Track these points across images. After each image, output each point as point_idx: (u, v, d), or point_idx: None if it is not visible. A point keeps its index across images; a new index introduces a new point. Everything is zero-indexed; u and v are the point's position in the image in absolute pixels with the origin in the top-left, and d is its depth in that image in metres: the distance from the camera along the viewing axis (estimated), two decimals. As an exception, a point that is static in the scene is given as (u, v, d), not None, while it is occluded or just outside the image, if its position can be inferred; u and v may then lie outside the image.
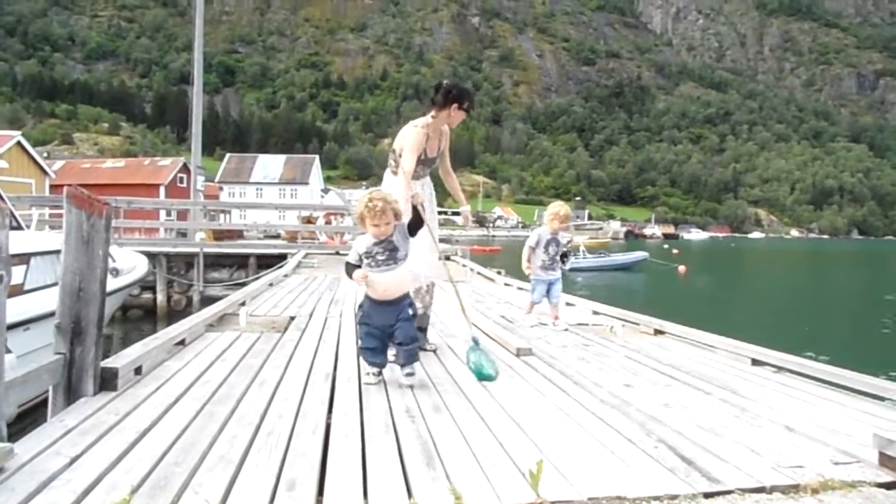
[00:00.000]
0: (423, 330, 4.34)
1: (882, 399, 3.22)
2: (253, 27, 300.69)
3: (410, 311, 3.40)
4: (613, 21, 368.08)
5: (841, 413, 3.04)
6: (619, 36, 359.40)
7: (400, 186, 4.05)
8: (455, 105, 4.23)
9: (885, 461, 2.29)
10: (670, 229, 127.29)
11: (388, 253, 3.30)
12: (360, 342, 3.52)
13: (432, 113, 4.24)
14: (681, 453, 2.42)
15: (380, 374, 3.41)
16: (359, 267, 3.35)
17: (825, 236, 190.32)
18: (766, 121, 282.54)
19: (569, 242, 5.90)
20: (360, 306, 3.44)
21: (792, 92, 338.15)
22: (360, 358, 3.55)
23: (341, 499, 1.97)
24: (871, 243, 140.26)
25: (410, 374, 3.38)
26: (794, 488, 2.12)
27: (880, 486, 2.16)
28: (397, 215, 3.30)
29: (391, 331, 3.33)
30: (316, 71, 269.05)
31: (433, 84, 4.38)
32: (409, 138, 4.19)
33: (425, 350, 4.22)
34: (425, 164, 4.31)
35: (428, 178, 4.44)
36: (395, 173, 4.29)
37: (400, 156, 4.24)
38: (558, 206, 5.52)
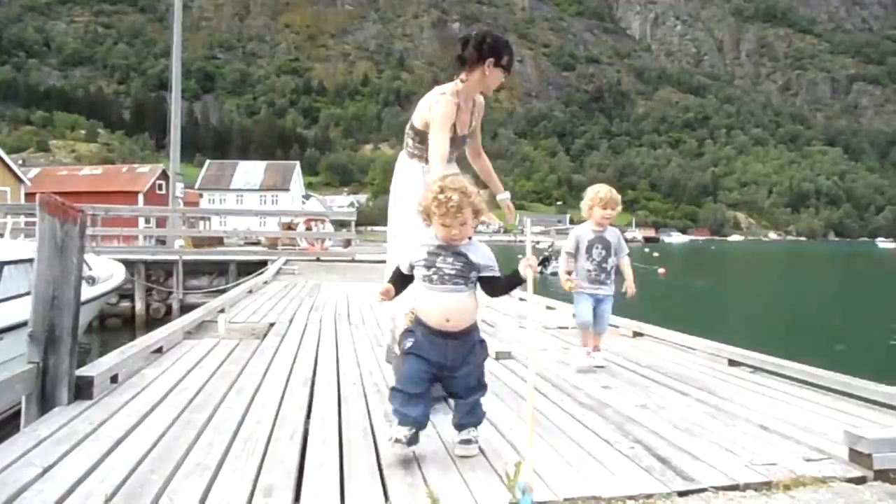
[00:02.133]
0: None
1: (854, 397, 3.28)
2: (232, 33, 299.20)
3: (481, 349, 2.46)
4: (593, 27, 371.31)
5: (814, 411, 3.09)
6: (599, 41, 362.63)
7: (431, 175, 3.04)
8: (491, 60, 3.18)
9: (855, 457, 2.33)
10: (651, 233, 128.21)
11: (459, 267, 2.33)
12: (397, 382, 2.46)
13: (461, 76, 3.24)
14: (657, 453, 2.45)
15: (416, 436, 2.32)
16: (406, 278, 2.44)
17: (802, 238, 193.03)
18: (744, 125, 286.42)
19: (627, 239, 4.35)
20: (408, 332, 2.42)
21: (768, 96, 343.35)
22: (392, 409, 2.41)
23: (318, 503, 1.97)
24: (846, 244, 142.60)
25: (469, 443, 2.38)
26: (767, 485, 2.15)
27: (850, 480, 2.21)
28: (477, 213, 2.35)
29: (450, 374, 2.36)
30: (296, 77, 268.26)
31: (460, 38, 3.32)
32: (439, 109, 3.18)
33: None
34: (454, 144, 3.31)
35: (455, 164, 3.44)
36: (412, 156, 3.40)
37: (419, 134, 3.32)
38: (597, 189, 4.01)
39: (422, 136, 3.31)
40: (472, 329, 2.40)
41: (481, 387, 2.40)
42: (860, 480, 2.21)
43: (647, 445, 2.55)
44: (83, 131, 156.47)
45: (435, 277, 2.32)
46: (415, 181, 3.34)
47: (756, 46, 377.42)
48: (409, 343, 2.37)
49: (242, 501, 1.96)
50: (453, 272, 2.32)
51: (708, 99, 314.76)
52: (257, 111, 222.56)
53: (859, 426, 2.52)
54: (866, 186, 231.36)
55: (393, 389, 2.39)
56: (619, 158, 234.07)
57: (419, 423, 2.31)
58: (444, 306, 2.31)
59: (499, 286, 2.41)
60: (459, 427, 2.39)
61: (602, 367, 3.99)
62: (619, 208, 3.98)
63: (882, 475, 2.24)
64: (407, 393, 2.31)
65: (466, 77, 3.23)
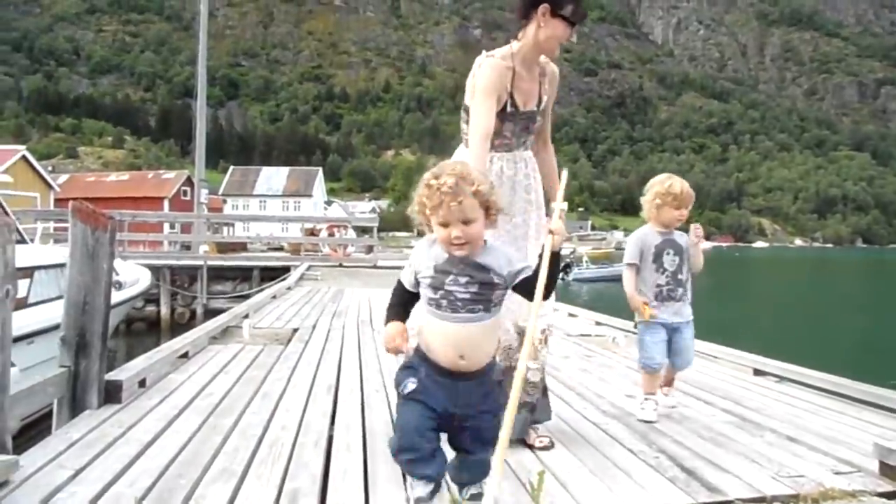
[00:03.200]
0: (531, 409, 2.61)
1: (883, 408, 3.22)
2: (256, 41, 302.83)
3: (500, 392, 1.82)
4: (615, 32, 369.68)
5: (842, 422, 3.05)
6: (621, 47, 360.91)
7: (468, 160, 2.27)
8: (546, 7, 2.48)
9: (886, 471, 2.29)
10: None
11: (475, 291, 1.75)
12: (397, 439, 1.85)
13: (518, 35, 2.60)
14: (681, 463, 2.43)
15: (436, 490, 1.85)
16: (407, 305, 1.88)
17: (829, 245, 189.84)
18: (769, 130, 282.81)
19: (703, 241, 3.20)
20: (407, 368, 1.84)
21: (794, 101, 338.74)
22: (402, 468, 2.07)
23: (343, 510, 1.98)
24: (875, 251, 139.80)
25: (479, 497, 1.86)
26: (795, 498, 2.12)
27: (881, 495, 2.17)
28: (490, 208, 1.75)
29: (460, 425, 1.80)
30: (319, 84, 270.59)
31: None
32: (481, 74, 2.51)
33: (532, 447, 2.55)
34: (514, 121, 2.58)
35: (523, 152, 2.68)
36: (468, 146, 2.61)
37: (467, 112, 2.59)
38: (667, 181, 3.06)
39: None
40: (491, 366, 1.83)
41: (494, 441, 1.59)
42: (891, 495, 2.17)
43: (672, 455, 2.53)
44: (110, 138, 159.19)
45: (444, 303, 1.74)
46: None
47: (781, 51, 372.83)
48: (409, 385, 1.78)
49: (269, 507, 1.98)
50: (468, 296, 1.74)
51: (732, 104, 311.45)
52: (280, 118, 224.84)
53: (890, 438, 2.47)
54: (895, 192, 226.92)
55: (395, 449, 1.83)
56: (641, 164, 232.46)
57: (435, 478, 1.82)
58: (457, 340, 1.74)
59: (538, 282, 1.76)
60: (463, 485, 1.89)
61: (674, 407, 3.20)
62: (691, 202, 3.07)
63: (914, 489, 2.19)
64: (410, 450, 1.78)
65: (522, 34, 2.56)
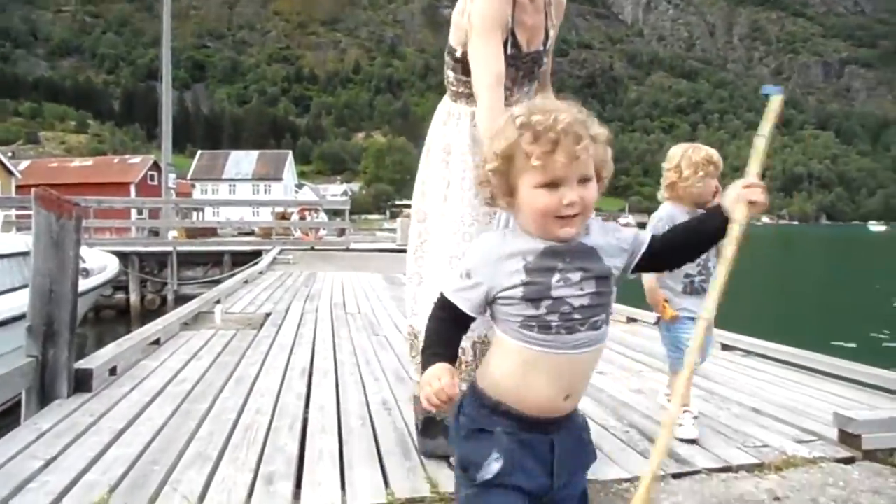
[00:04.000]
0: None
1: (844, 379, 3.33)
2: (222, 21, 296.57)
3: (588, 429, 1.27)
4: (584, 12, 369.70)
5: (805, 394, 3.15)
6: (591, 27, 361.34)
7: (479, 112, 1.97)
8: None
9: (844, 438, 2.38)
10: (644, 218, 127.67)
11: (598, 287, 1.15)
12: None
13: None
14: (651, 437, 2.49)
15: None
16: (455, 341, 1.20)
17: (795, 222, 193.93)
18: (737, 109, 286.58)
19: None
20: (476, 434, 1.16)
21: (761, 80, 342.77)
22: None
23: (319, 491, 2.00)
24: (838, 228, 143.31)
25: None
26: (759, 467, 2.20)
27: (839, 461, 2.26)
28: (601, 170, 1.16)
29: (553, 501, 1.17)
30: (287, 65, 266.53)
31: None
32: (478, 4, 1.96)
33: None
34: (517, 65, 2.07)
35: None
36: (457, 97, 2.18)
37: (460, 60, 2.10)
38: (696, 148, 2.58)
39: (466, 63, 2.03)
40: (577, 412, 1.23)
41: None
42: (849, 461, 2.26)
43: (642, 430, 2.59)
44: (73, 122, 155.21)
45: (554, 320, 1.11)
46: (461, 134, 2.14)
47: (748, 30, 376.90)
48: (493, 466, 1.12)
49: (245, 490, 1.99)
50: (587, 301, 1.12)
51: (700, 84, 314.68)
52: (248, 100, 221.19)
53: (849, 408, 2.56)
54: (858, 170, 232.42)
55: None
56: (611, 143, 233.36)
57: None
58: (572, 374, 1.15)
59: (681, 242, 1.25)
60: None
61: (694, 441, 2.43)
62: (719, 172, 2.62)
63: (870, 455, 2.29)
64: None
65: None
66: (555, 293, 1.10)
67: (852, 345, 9.45)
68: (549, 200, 1.07)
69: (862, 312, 14.80)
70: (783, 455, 2.28)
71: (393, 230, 21.65)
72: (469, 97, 2.11)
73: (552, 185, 1.08)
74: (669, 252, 1.23)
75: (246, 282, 8.65)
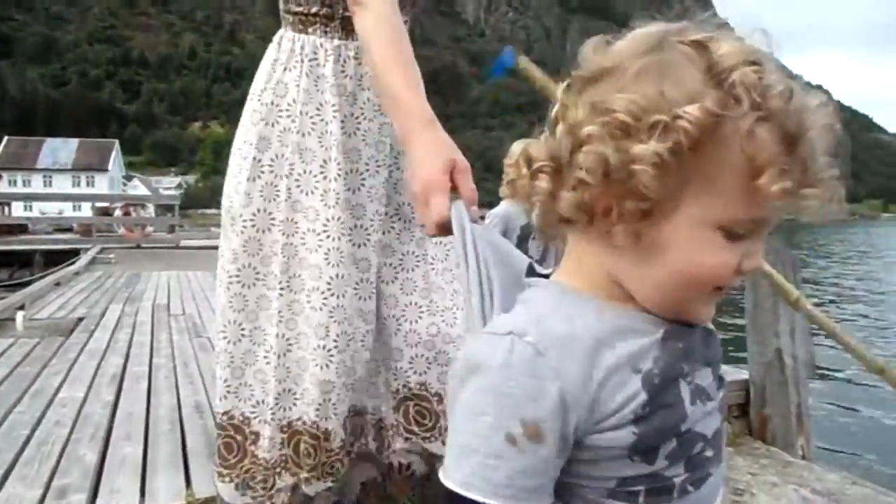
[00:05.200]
0: None
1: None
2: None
3: None
4: (429, 10, 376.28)
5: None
6: (434, 24, 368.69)
7: (368, 41, 1.14)
8: None
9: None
10: (483, 212, 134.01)
11: (719, 383, 0.62)
12: None
13: None
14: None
15: None
16: None
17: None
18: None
19: None
20: None
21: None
22: None
23: (116, 499, 1.97)
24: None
25: None
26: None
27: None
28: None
29: None
30: (113, 46, 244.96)
31: None
32: None
33: None
34: None
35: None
36: (304, 24, 1.37)
37: None
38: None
39: None
40: None
41: None
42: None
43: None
44: None
45: (682, 474, 0.57)
46: (321, 83, 1.35)
47: (579, 36, 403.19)
48: None
49: (31, 506, 1.92)
50: (716, 427, 0.61)
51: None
52: (67, 81, 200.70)
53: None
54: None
55: None
56: (454, 140, 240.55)
57: None
58: None
59: None
60: None
61: None
62: None
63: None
64: None
65: None
66: (689, 423, 0.57)
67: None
68: (727, 258, 0.54)
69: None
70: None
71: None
72: (326, 23, 1.35)
73: (752, 225, 0.54)
74: None
75: (58, 284, 7.97)
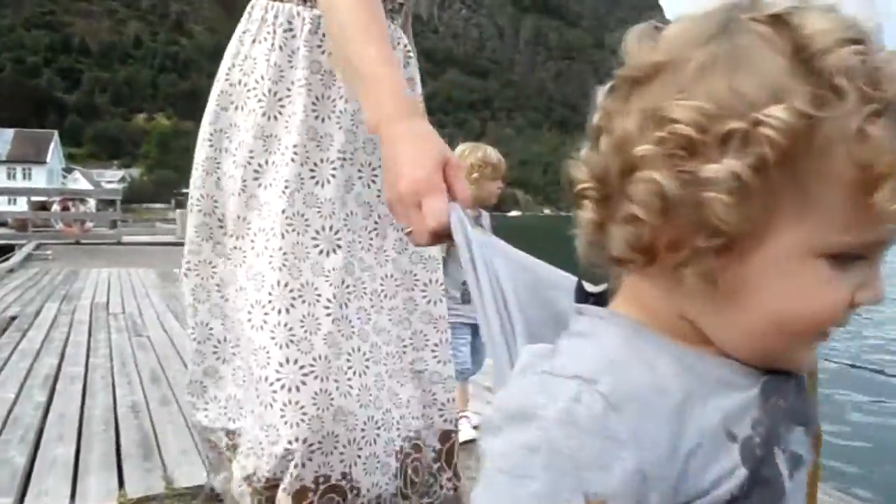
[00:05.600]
0: None
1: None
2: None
3: None
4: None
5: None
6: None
7: (336, 12, 0.95)
8: None
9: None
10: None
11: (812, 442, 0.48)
12: None
13: None
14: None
15: None
16: None
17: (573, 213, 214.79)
18: (522, 108, 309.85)
19: None
20: None
21: (543, 83, 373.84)
22: None
23: (45, 501, 1.97)
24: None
25: None
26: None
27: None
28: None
29: None
30: (51, 32, 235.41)
31: None
32: None
33: None
34: None
35: (393, 31, 1.38)
36: None
37: None
38: (472, 149, 2.55)
39: None
40: None
41: None
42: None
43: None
44: None
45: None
46: (293, 59, 1.19)
47: (532, 35, 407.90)
48: None
49: (-46, 509, 1.90)
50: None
51: (490, 82, 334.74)
52: (2, 68, 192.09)
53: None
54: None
55: None
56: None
57: None
58: None
59: None
60: None
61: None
62: None
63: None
64: None
65: None
66: (785, 502, 0.45)
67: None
68: (837, 293, 0.42)
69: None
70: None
71: (174, 221, 20.33)
72: None
73: (845, 257, 0.42)
74: None
75: (-10, 281, 7.68)
